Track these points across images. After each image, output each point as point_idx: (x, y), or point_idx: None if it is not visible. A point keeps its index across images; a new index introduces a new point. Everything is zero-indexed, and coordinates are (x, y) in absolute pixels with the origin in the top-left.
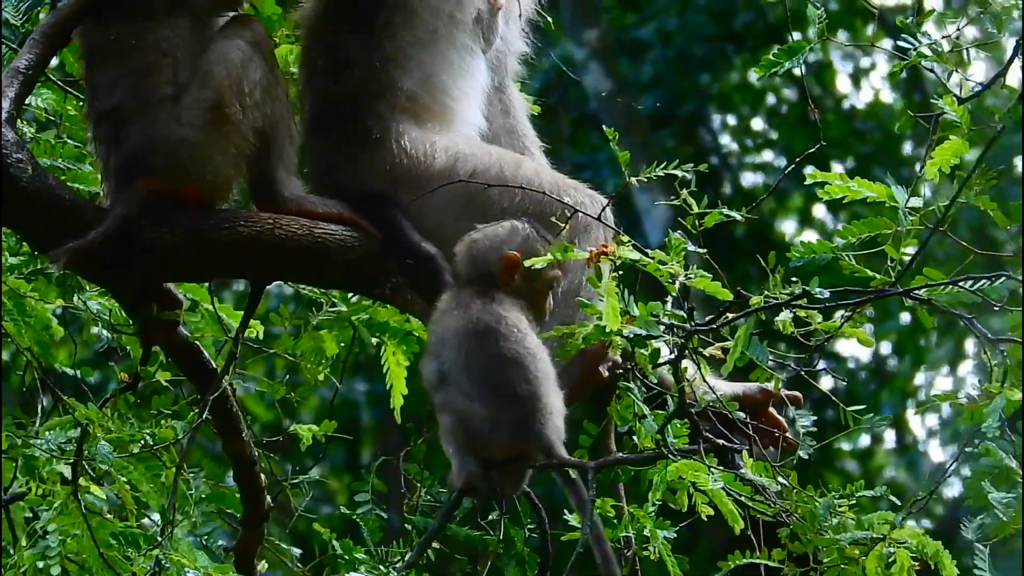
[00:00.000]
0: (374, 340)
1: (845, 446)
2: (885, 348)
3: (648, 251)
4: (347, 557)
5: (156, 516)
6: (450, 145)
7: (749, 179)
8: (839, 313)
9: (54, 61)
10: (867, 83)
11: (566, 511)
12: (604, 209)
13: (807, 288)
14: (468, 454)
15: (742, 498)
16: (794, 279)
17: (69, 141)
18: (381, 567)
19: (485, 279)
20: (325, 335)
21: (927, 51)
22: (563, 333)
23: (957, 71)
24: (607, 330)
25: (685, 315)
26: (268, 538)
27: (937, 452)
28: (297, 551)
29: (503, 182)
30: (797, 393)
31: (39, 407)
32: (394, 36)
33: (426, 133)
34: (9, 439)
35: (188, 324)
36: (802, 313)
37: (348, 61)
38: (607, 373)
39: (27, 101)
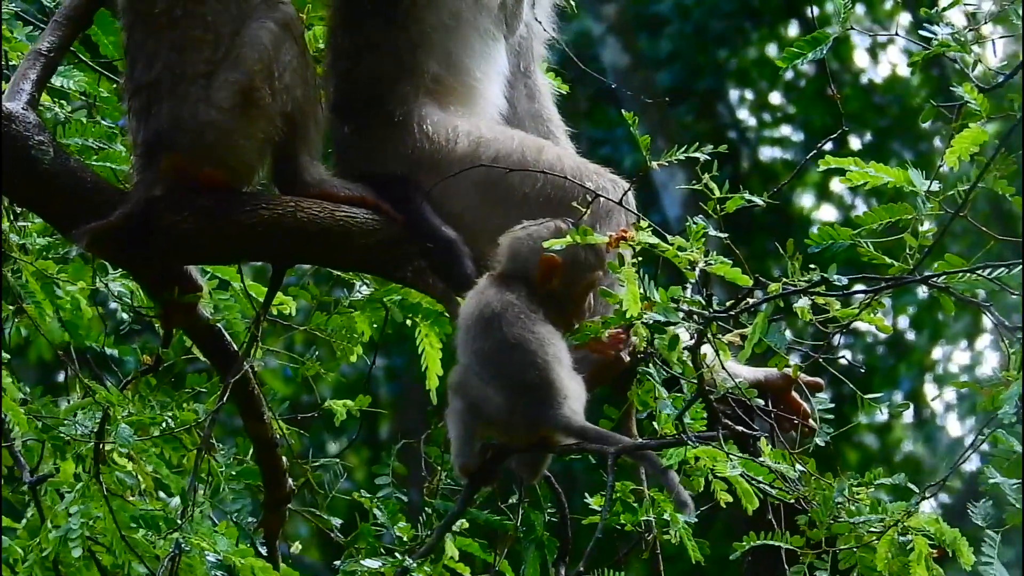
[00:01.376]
0: (407, 322)
1: (863, 420)
2: (903, 322)
3: (668, 236)
4: (370, 540)
5: (177, 500)
6: (472, 129)
7: (767, 154)
8: (858, 297)
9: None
10: (885, 57)
11: (586, 494)
12: (625, 194)
13: (825, 275)
14: (466, 443)
15: (762, 484)
16: (812, 266)
17: (102, 121)
18: (398, 554)
19: (524, 279)
20: (357, 316)
21: (948, 38)
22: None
23: (978, 58)
24: (627, 315)
25: (704, 301)
26: (309, 509)
27: (955, 426)
28: (337, 520)
29: (525, 167)
30: (819, 379)
31: (72, 383)
32: (418, 19)
33: (449, 117)
34: (33, 422)
35: (216, 302)
36: (820, 300)
37: (372, 44)
38: (628, 358)
39: (59, 83)
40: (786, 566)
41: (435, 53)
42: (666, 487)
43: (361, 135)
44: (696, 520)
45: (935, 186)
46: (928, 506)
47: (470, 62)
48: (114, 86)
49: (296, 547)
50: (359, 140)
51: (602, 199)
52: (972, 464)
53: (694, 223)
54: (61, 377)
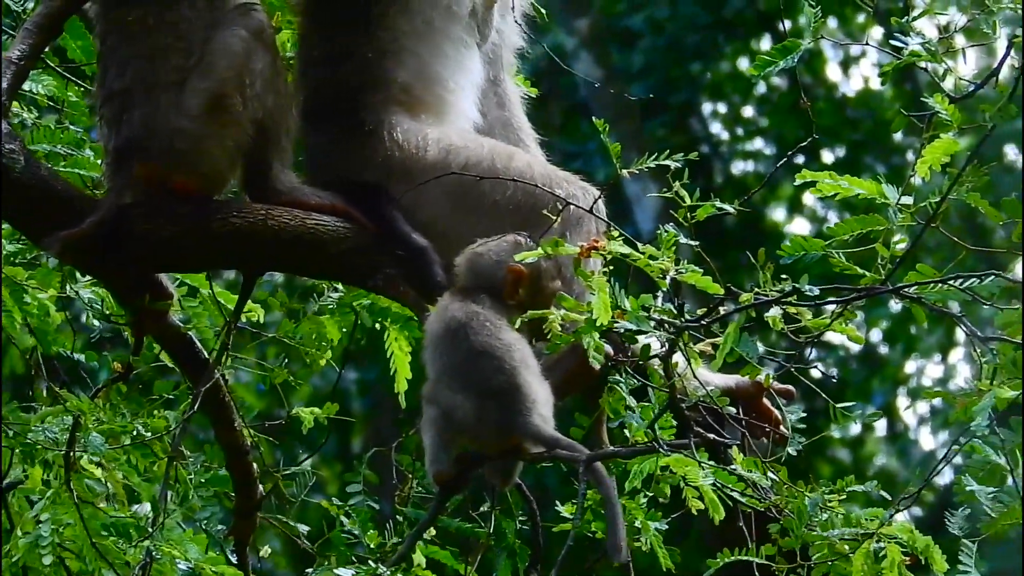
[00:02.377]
0: (377, 326)
1: (836, 434)
2: (876, 336)
3: (639, 244)
4: (342, 548)
5: (148, 507)
6: (442, 137)
7: (740, 167)
8: (830, 308)
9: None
10: (857, 71)
11: (557, 503)
12: (596, 201)
13: (796, 285)
14: (441, 449)
15: (733, 493)
16: (784, 276)
17: (71, 127)
18: (371, 562)
19: (489, 293)
20: (327, 320)
21: (919, 48)
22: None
23: (949, 69)
24: (598, 324)
25: (675, 310)
26: (276, 516)
27: (928, 440)
28: (304, 527)
29: (495, 174)
30: (790, 387)
31: (39, 393)
32: (389, 27)
33: (419, 125)
34: (4, 429)
35: (186, 310)
36: (792, 310)
37: (343, 52)
38: (599, 366)
39: (28, 88)
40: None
41: (406, 62)
42: (608, 522)
43: (332, 143)
44: (667, 528)
45: (907, 199)
46: (901, 519)
47: (443, 71)
48: (82, 91)
49: (266, 551)
50: (330, 148)
51: (572, 207)
52: (945, 477)
53: (665, 232)
54: (33, 388)
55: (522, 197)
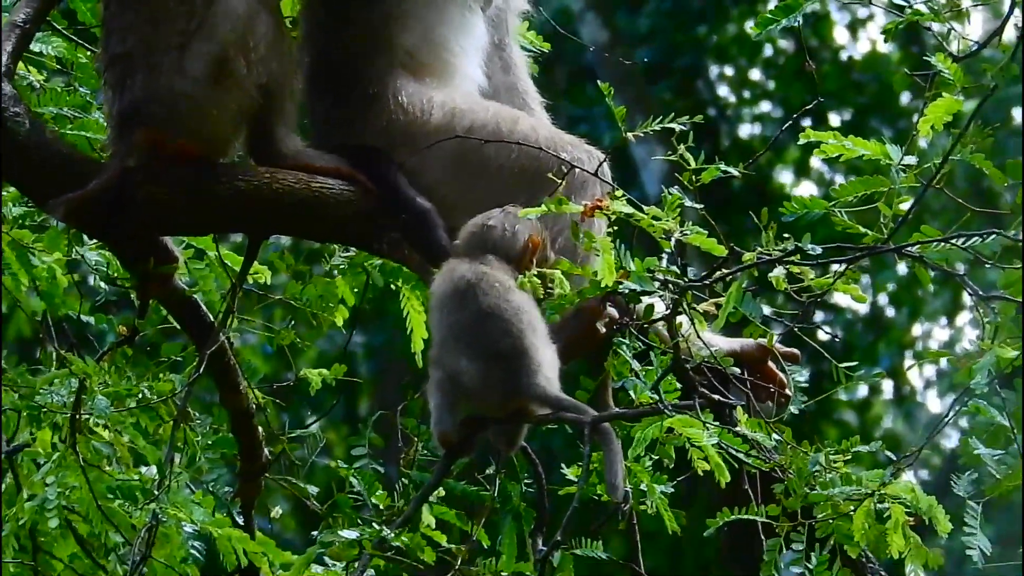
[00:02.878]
0: (392, 287)
1: (842, 396)
2: (882, 299)
3: (643, 206)
4: (347, 510)
5: (154, 470)
6: (447, 101)
7: (746, 130)
8: (833, 268)
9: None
10: (864, 34)
11: (563, 465)
12: (601, 165)
13: (799, 244)
14: (446, 411)
15: (738, 454)
16: (786, 235)
17: (80, 89)
18: (375, 524)
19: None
20: (339, 281)
21: (923, 8)
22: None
23: (953, 28)
24: (603, 285)
25: (679, 271)
26: (286, 478)
27: (935, 403)
28: (314, 488)
29: (500, 138)
30: (795, 351)
31: (46, 356)
32: None
33: (424, 89)
34: (9, 392)
35: (192, 273)
36: (795, 269)
37: (347, 16)
38: (604, 329)
39: (37, 49)
40: (763, 537)
41: (411, 26)
42: (606, 463)
43: (336, 107)
44: (673, 491)
45: (911, 159)
46: (906, 480)
47: (447, 34)
48: (91, 54)
49: (276, 512)
50: (335, 112)
51: (578, 170)
52: (952, 440)
53: (670, 193)
54: (39, 351)
55: (527, 161)
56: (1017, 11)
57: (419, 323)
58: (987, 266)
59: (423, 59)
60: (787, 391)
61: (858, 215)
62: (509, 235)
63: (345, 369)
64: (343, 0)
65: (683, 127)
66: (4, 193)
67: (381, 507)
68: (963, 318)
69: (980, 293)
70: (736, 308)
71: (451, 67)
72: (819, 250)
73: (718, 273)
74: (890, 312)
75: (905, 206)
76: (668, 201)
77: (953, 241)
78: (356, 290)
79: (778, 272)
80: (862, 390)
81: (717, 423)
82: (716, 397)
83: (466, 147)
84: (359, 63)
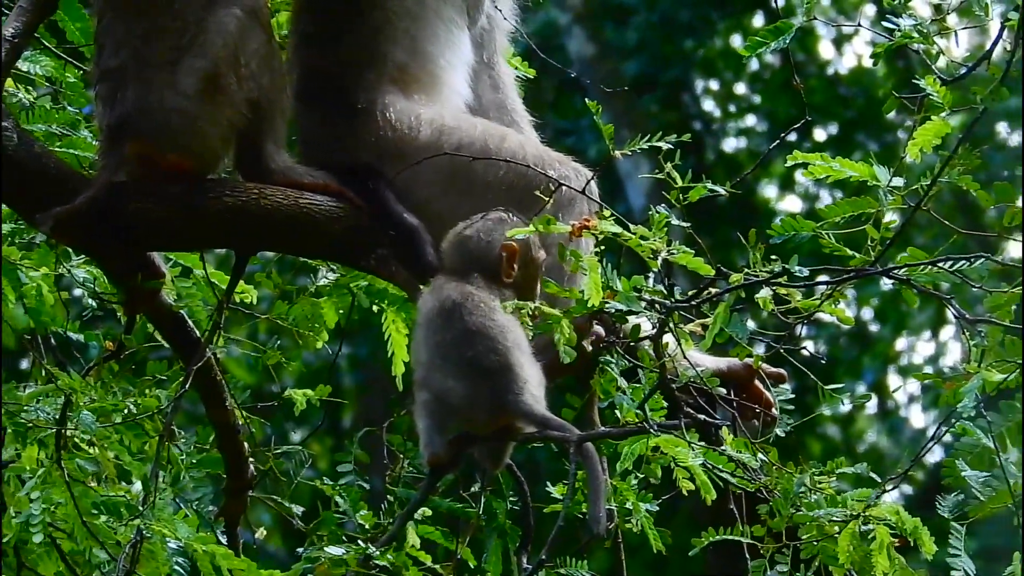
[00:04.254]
0: (374, 308)
1: (826, 412)
2: (867, 314)
3: (630, 225)
4: (333, 527)
5: (139, 486)
6: (436, 117)
7: (732, 144)
8: (820, 289)
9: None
10: (850, 48)
11: (548, 483)
12: (588, 183)
13: (787, 266)
14: (436, 433)
15: (723, 473)
16: (774, 257)
17: (68, 108)
18: (361, 542)
19: (484, 273)
20: (324, 302)
21: (911, 31)
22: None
23: (942, 51)
24: (590, 305)
25: (666, 291)
26: (271, 497)
27: (918, 417)
28: (299, 508)
29: (488, 155)
30: (782, 371)
31: (37, 371)
32: (382, 6)
33: (412, 105)
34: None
35: (178, 289)
36: (782, 290)
37: (336, 32)
38: (591, 348)
39: (25, 68)
40: (748, 557)
41: (399, 40)
42: (590, 495)
43: (325, 123)
44: (658, 509)
45: (898, 180)
46: (891, 498)
47: (434, 50)
48: (80, 72)
49: (261, 532)
50: (324, 128)
51: (565, 188)
52: (935, 456)
53: (657, 212)
54: (25, 364)
55: (515, 178)
56: (1007, 33)
57: (401, 345)
58: (973, 288)
59: (412, 73)
60: (773, 411)
61: (844, 233)
62: (484, 243)
63: (330, 390)
64: (333, 15)
65: (670, 146)
66: None
67: (366, 525)
68: (947, 332)
69: (967, 316)
70: (723, 328)
71: (439, 81)
72: (806, 272)
73: (705, 294)
74: (874, 327)
75: (892, 227)
76: (655, 220)
77: (941, 264)
78: (342, 311)
79: (765, 293)
80: (845, 405)
81: (703, 443)
82: (702, 417)
83: (455, 164)
84: (348, 78)
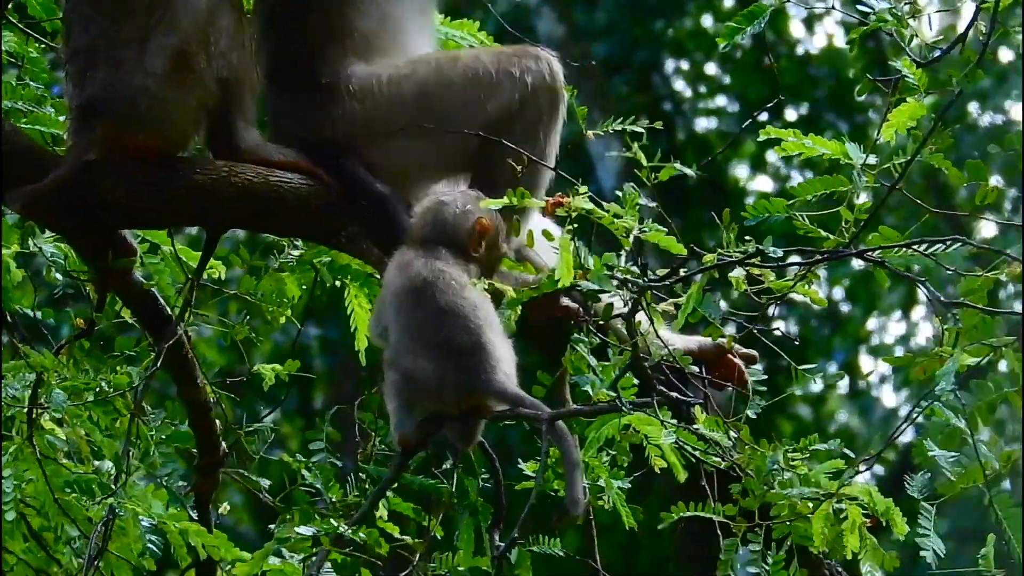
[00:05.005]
0: (337, 283)
1: (797, 391)
2: (838, 294)
3: (603, 203)
4: (303, 505)
5: (110, 464)
6: (391, 73)
7: (703, 124)
8: (792, 270)
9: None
10: (821, 28)
11: (520, 460)
12: (552, 69)
13: (760, 247)
14: (405, 413)
15: (695, 451)
16: (748, 237)
17: (31, 83)
18: (333, 521)
19: (450, 245)
20: (287, 277)
21: (885, 14)
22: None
23: (915, 33)
24: (559, 284)
25: (639, 270)
26: (238, 471)
27: (890, 397)
28: (266, 482)
29: (449, 80)
30: (753, 352)
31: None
32: None
33: (373, 70)
34: None
35: (147, 266)
36: (755, 271)
37: (305, 5)
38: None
39: None
40: (720, 535)
41: (366, 11)
42: (566, 476)
43: (294, 100)
44: (630, 487)
45: (871, 159)
46: (863, 479)
47: (401, 15)
48: (42, 47)
49: (224, 508)
50: (292, 105)
51: (520, 106)
52: (907, 436)
53: (629, 190)
54: None
55: (483, 94)
56: (982, 16)
57: (363, 321)
58: (947, 270)
59: (377, 43)
60: (746, 380)
61: (816, 210)
62: (460, 213)
63: (299, 364)
64: None
65: (641, 130)
66: None
67: (335, 501)
68: (918, 312)
69: (941, 299)
70: (695, 308)
71: (405, 48)
72: (780, 253)
73: (681, 272)
74: (845, 307)
75: (863, 204)
76: (627, 198)
77: (914, 248)
78: (305, 287)
79: (738, 273)
80: (817, 385)
81: (675, 421)
82: (674, 395)
83: (423, 104)
84: (315, 53)
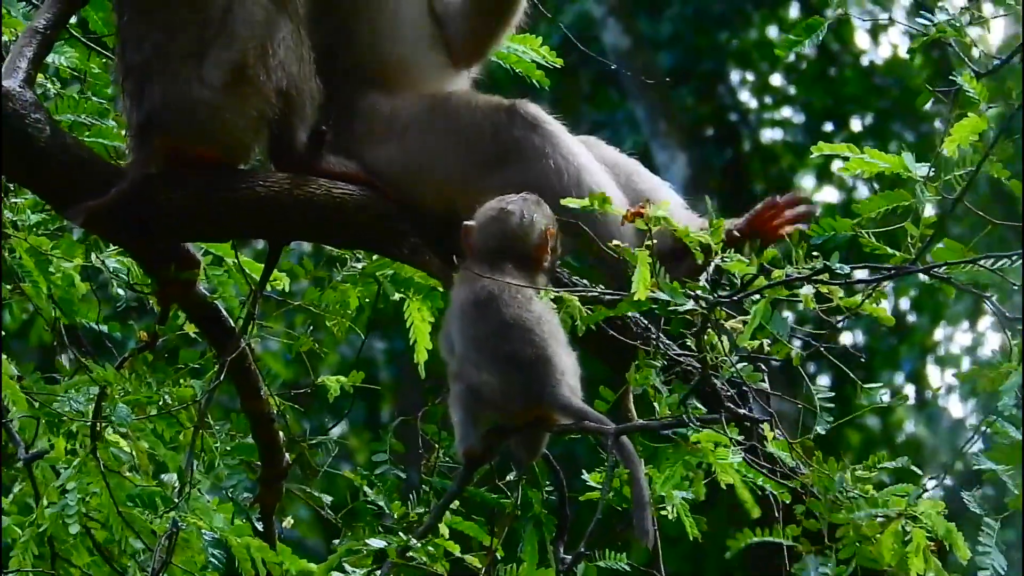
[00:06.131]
0: (398, 296)
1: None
2: (904, 304)
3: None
4: (368, 518)
5: (174, 477)
6: (396, 113)
7: (768, 135)
8: (860, 286)
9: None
10: (886, 39)
11: (584, 472)
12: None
13: (828, 264)
14: (470, 425)
15: (762, 471)
16: (815, 254)
17: (93, 98)
18: (400, 533)
19: (516, 255)
20: (349, 289)
21: (945, 25)
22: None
23: (975, 43)
24: (635, 299)
25: (708, 287)
26: (301, 487)
27: (956, 407)
28: (328, 497)
29: (437, 123)
30: (810, 208)
31: (61, 364)
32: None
33: (389, 100)
34: (27, 400)
35: (211, 278)
36: (823, 288)
37: (327, 45)
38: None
39: (50, 59)
40: (786, 556)
41: (384, 45)
42: (634, 502)
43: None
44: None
45: (933, 172)
46: (931, 494)
47: (414, 45)
48: (104, 61)
49: (288, 522)
50: (336, 125)
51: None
52: (977, 445)
53: (710, 206)
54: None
55: (478, 129)
56: None
57: (424, 334)
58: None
59: (391, 72)
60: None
61: (882, 224)
62: (527, 223)
63: (363, 376)
64: (320, 27)
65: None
66: (22, 200)
67: (396, 516)
68: (985, 322)
69: (1006, 314)
70: (763, 324)
71: (419, 76)
72: (847, 269)
73: (751, 288)
74: (912, 317)
75: (928, 218)
76: (714, 224)
77: (980, 263)
78: (368, 300)
79: (807, 291)
80: (883, 395)
81: (742, 438)
82: (742, 411)
83: (440, 125)
84: (337, 84)
